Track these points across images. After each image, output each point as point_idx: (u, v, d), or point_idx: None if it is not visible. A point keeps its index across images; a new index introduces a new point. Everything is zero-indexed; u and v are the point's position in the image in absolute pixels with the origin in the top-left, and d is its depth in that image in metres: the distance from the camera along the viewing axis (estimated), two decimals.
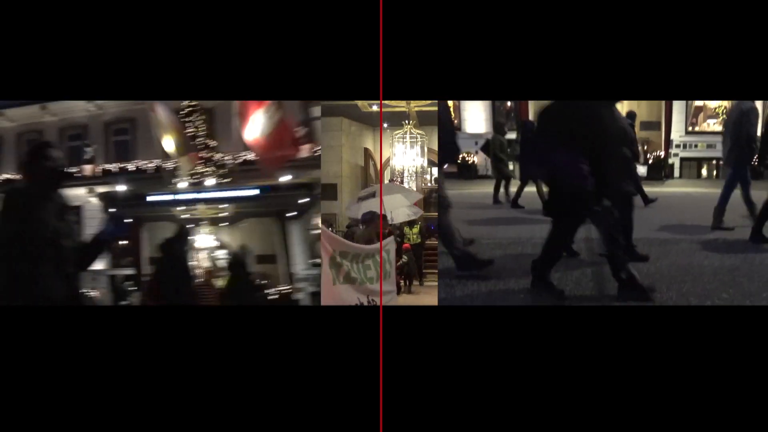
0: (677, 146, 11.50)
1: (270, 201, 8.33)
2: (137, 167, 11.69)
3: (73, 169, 11.93)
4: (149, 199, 8.99)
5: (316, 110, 8.96)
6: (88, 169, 12.20)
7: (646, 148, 11.18)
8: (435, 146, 7.91)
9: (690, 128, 11.55)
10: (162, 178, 10.03)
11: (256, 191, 8.16)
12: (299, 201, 8.26)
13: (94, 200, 11.29)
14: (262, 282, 7.27)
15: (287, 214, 8.51)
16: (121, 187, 10.46)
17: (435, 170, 8.69)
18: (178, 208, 8.86)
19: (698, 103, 11.52)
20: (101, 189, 11.16)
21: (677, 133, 11.46)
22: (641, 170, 10.24)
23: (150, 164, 11.42)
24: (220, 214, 8.86)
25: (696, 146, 8.14)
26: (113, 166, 12.03)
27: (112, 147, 12.67)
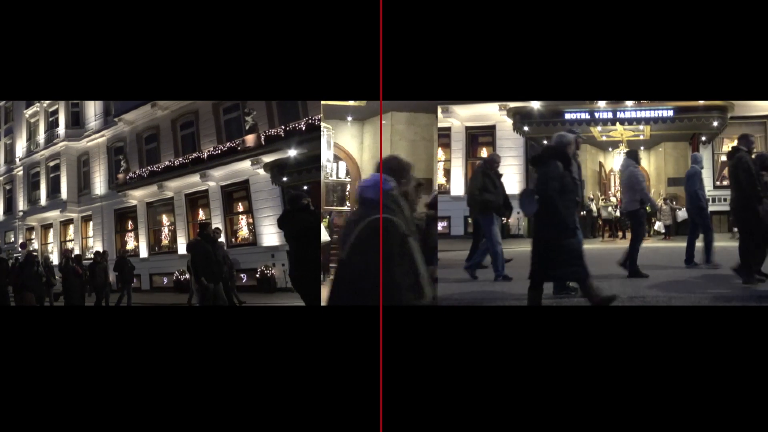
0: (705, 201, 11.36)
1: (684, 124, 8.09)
2: (309, 125, 9.31)
3: (235, 143, 10.91)
4: None
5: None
6: (250, 139, 10.77)
7: (674, 203, 11.01)
8: (341, 141, 8.24)
9: (718, 182, 10.83)
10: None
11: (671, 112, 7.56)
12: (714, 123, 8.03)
13: (262, 172, 10.48)
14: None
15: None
16: (292, 152, 9.35)
17: (341, 164, 8.58)
18: None
19: (724, 157, 10.43)
20: (268, 158, 10.15)
21: (705, 188, 10.89)
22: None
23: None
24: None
25: (724, 200, 7.59)
26: (279, 130, 10.17)
27: (275, 109, 10.94)
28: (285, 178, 9.82)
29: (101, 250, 11.46)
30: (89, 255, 14.75)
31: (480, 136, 11.95)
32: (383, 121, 8.14)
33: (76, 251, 14.79)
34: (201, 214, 13.05)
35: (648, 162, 11.67)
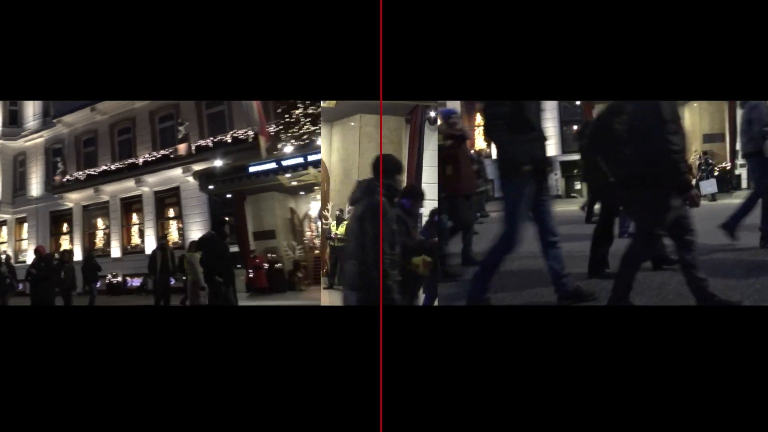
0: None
1: None
2: (234, 138, 10.54)
3: (168, 151, 11.65)
4: (251, 170, 8.95)
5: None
6: (182, 148, 11.46)
7: (711, 160, 10.86)
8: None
9: None
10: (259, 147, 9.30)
11: None
12: None
13: (191, 179, 10.92)
14: None
15: None
16: (218, 162, 10.08)
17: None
18: (286, 175, 8.81)
19: None
20: (197, 167, 10.80)
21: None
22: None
23: (249, 132, 10.17)
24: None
25: None
26: (208, 141, 11.08)
27: (205, 121, 11.72)
28: (211, 186, 10.40)
29: (69, 248, 10.95)
30: (21, 258, 14.70)
31: None
32: (351, 123, 8.36)
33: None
34: (135, 218, 13.38)
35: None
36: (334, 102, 7.33)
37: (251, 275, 9.29)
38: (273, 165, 9.05)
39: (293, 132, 9.08)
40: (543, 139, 3.25)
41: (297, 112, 9.05)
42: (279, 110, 9.43)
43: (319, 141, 8.81)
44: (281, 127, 9.30)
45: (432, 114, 7.05)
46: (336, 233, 7.39)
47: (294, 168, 8.83)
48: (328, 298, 6.87)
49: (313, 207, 9.51)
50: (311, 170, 8.70)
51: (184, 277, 7.56)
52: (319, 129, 8.86)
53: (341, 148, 8.51)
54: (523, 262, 4.28)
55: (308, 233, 10.14)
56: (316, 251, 9.80)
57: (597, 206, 5.41)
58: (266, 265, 9.37)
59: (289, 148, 9.05)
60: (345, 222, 7.30)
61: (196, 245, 6.61)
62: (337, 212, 7.59)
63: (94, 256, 9.64)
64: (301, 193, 10.05)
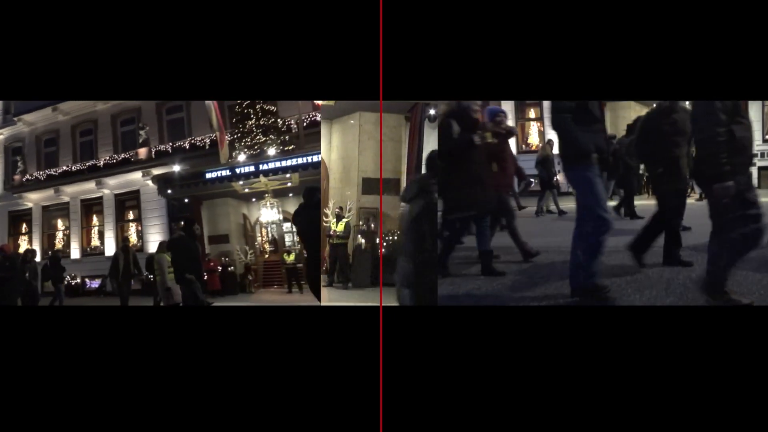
0: (754, 155, 10.50)
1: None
2: (192, 144, 11.06)
3: (129, 154, 11.96)
4: (208, 176, 9.28)
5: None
6: (142, 152, 11.79)
7: None
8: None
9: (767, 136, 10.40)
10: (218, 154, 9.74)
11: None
12: None
13: (150, 183, 11.04)
14: None
15: None
16: (176, 167, 10.27)
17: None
18: (239, 183, 9.00)
19: None
20: (157, 171, 10.99)
21: (754, 142, 10.58)
22: None
23: (206, 139, 10.63)
24: (286, 185, 8.48)
25: None
26: (167, 146, 11.47)
27: (165, 126, 12.15)
28: (169, 191, 10.70)
29: (31, 248, 10.67)
30: None
31: None
32: (351, 121, 8.32)
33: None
34: (95, 220, 13.52)
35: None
36: (332, 101, 7.46)
37: (205, 277, 9.67)
38: (227, 172, 9.43)
39: (246, 141, 9.53)
40: (605, 130, 3.39)
41: (250, 122, 9.50)
42: (234, 120, 9.85)
43: (270, 151, 9.26)
44: (235, 136, 9.72)
45: (432, 112, 7.18)
46: (335, 231, 7.41)
47: (246, 176, 9.24)
48: (328, 296, 7.03)
49: (264, 213, 9.94)
50: (262, 178, 9.15)
51: (150, 277, 7.73)
52: (269, 139, 9.32)
53: (341, 146, 8.57)
54: (540, 256, 4.39)
55: (259, 238, 10.58)
56: (266, 255, 10.27)
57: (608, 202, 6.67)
58: (220, 268, 9.78)
59: (242, 157, 9.47)
60: (344, 220, 7.42)
61: (166, 246, 6.87)
62: (337, 210, 7.72)
63: (59, 257, 9.63)
64: (252, 200, 10.48)
